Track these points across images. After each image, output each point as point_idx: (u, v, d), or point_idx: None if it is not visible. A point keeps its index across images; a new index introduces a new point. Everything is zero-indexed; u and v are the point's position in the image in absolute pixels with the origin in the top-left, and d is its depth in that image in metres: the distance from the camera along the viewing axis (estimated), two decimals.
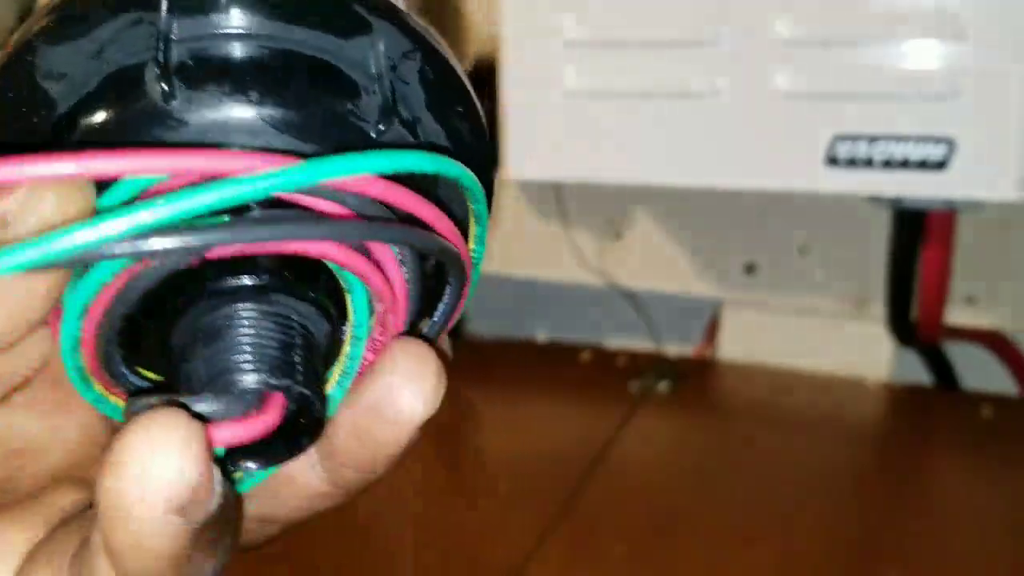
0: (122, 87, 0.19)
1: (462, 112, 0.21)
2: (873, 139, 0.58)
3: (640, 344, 0.84)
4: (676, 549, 0.56)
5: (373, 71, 0.20)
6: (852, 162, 0.59)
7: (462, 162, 0.20)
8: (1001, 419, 0.69)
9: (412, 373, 0.18)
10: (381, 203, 0.18)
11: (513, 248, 0.86)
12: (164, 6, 0.18)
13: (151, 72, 0.19)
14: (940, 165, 0.57)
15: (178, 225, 0.16)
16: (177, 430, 0.15)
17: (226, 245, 0.16)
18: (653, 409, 0.73)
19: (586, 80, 0.65)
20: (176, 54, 0.19)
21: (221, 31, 0.19)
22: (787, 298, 0.79)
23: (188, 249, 0.16)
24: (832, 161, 0.59)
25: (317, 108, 0.19)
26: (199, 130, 0.19)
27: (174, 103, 0.18)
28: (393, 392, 0.18)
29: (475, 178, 0.19)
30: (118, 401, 0.20)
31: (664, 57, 0.63)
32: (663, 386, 0.75)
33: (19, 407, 0.21)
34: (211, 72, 0.19)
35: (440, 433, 0.73)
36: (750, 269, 0.80)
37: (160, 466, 0.15)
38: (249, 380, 0.18)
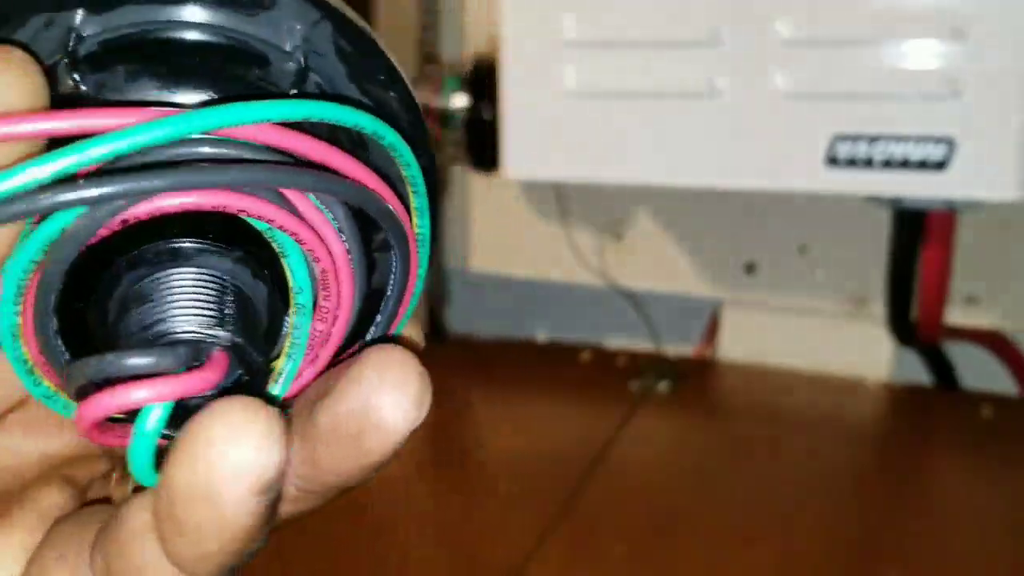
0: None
1: (385, 81, 0.20)
2: (873, 139, 0.58)
3: (640, 344, 0.84)
4: (676, 549, 0.56)
5: (286, 46, 0.20)
6: (852, 162, 0.59)
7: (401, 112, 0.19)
8: (1001, 419, 0.69)
9: (394, 382, 0.18)
10: (303, 160, 0.17)
11: (513, 248, 0.86)
12: (71, 4, 0.18)
13: (62, 66, 0.19)
14: (940, 165, 0.57)
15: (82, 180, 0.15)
16: (259, 414, 0.16)
17: (135, 194, 0.16)
18: (653, 409, 0.73)
19: (586, 80, 0.65)
20: (85, 47, 0.19)
21: (127, 22, 0.19)
22: (787, 298, 0.79)
23: (96, 198, 0.15)
24: (832, 161, 0.60)
25: (227, 79, 0.19)
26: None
27: (83, 89, 0.18)
28: (375, 403, 0.18)
29: (398, 136, 0.19)
30: (69, 399, 0.19)
31: (664, 57, 0.63)
32: (663, 386, 0.75)
33: (14, 427, 0.22)
34: (118, 57, 0.19)
35: (440, 433, 0.73)
36: (750, 269, 0.80)
37: (251, 450, 0.15)
38: (180, 328, 0.17)
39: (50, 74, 0.18)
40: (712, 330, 0.82)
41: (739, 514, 0.60)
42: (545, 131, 0.67)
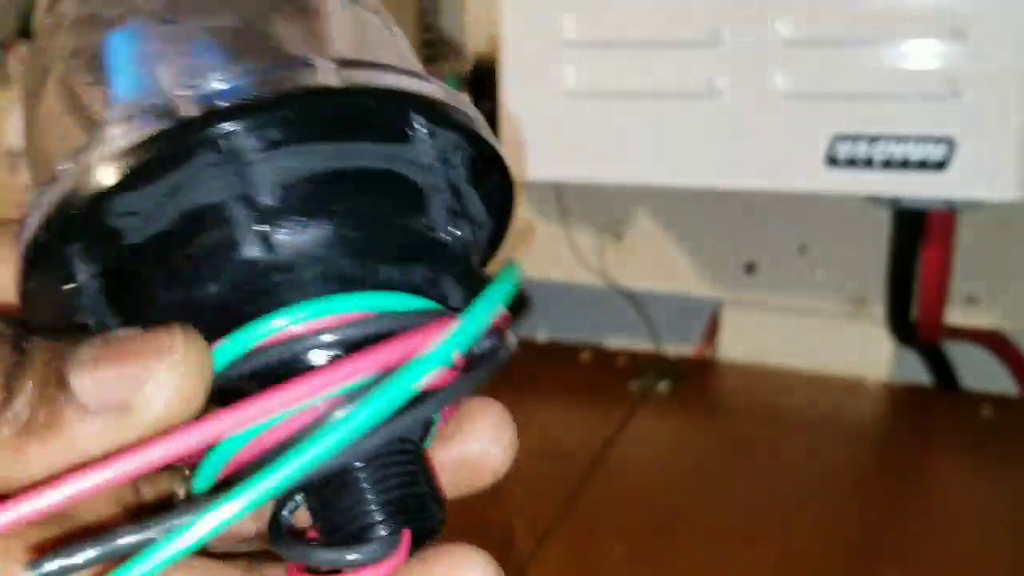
0: (205, 224, 0.19)
1: (498, 179, 0.23)
2: (873, 139, 0.58)
3: (640, 344, 0.84)
4: (676, 549, 0.56)
5: (435, 174, 0.21)
6: (852, 162, 0.59)
7: (501, 218, 0.23)
8: (1001, 419, 0.69)
9: (501, 434, 0.23)
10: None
11: (513, 248, 0.86)
12: (227, 138, 0.18)
13: (240, 212, 0.19)
14: (940, 165, 0.57)
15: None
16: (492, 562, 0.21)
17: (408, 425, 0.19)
18: (653, 409, 0.73)
19: (586, 80, 0.65)
20: (258, 191, 0.19)
21: (292, 158, 0.19)
22: (787, 298, 0.79)
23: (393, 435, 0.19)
24: (832, 161, 0.60)
25: (397, 230, 0.20)
26: (299, 269, 0.19)
27: (277, 244, 0.19)
28: (486, 448, 0.23)
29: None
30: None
31: (664, 57, 0.63)
32: (663, 386, 0.75)
33: None
34: (293, 208, 0.19)
35: None
36: (750, 269, 0.80)
37: None
38: (385, 531, 0.20)
39: (223, 215, 0.19)
40: (712, 330, 0.82)
41: (739, 514, 0.60)
42: (545, 131, 0.67)
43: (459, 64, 0.79)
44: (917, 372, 0.76)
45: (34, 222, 0.19)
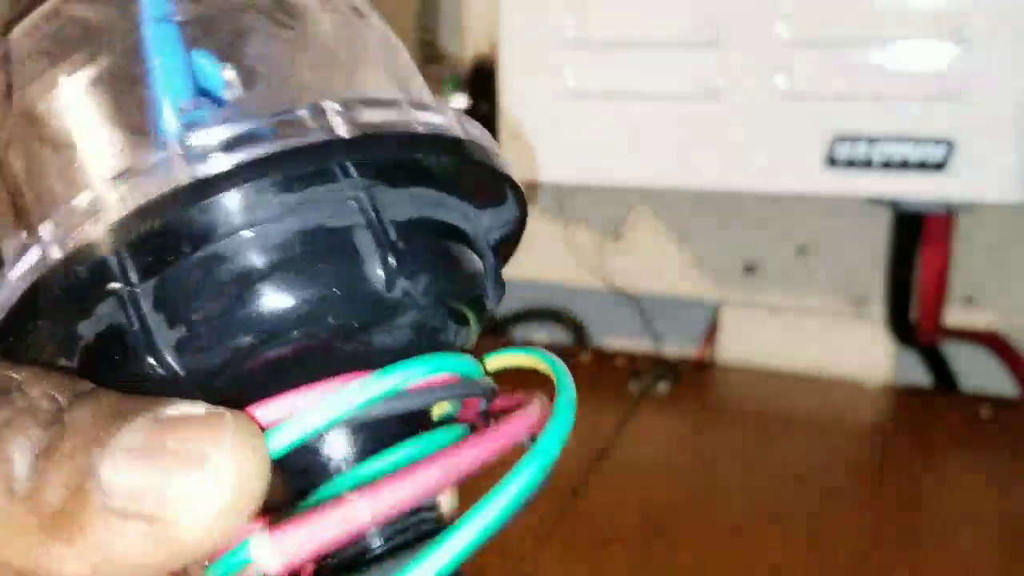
0: (332, 249, 0.18)
1: (517, 234, 0.22)
2: (873, 140, 0.58)
3: (640, 345, 0.84)
4: (676, 549, 0.56)
5: (485, 241, 0.21)
6: (852, 163, 0.59)
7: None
8: (1000, 419, 0.69)
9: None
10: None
11: None
12: (354, 170, 0.17)
13: (367, 246, 0.18)
14: (939, 166, 0.57)
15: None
16: None
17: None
18: (653, 409, 0.73)
19: (586, 80, 0.65)
20: (386, 224, 0.18)
21: (410, 200, 0.18)
22: (787, 298, 0.79)
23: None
24: (832, 162, 0.60)
25: (467, 290, 0.20)
26: (400, 311, 0.18)
27: (392, 275, 0.18)
28: None
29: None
30: None
31: (664, 58, 0.63)
32: (662, 387, 0.75)
33: None
34: (409, 249, 0.18)
35: None
36: (750, 269, 0.80)
37: None
38: None
39: (346, 238, 0.17)
40: (712, 331, 0.82)
41: (738, 514, 0.60)
42: (545, 131, 0.67)
43: (453, 67, 0.79)
44: (917, 372, 0.76)
45: (110, 211, 0.16)
